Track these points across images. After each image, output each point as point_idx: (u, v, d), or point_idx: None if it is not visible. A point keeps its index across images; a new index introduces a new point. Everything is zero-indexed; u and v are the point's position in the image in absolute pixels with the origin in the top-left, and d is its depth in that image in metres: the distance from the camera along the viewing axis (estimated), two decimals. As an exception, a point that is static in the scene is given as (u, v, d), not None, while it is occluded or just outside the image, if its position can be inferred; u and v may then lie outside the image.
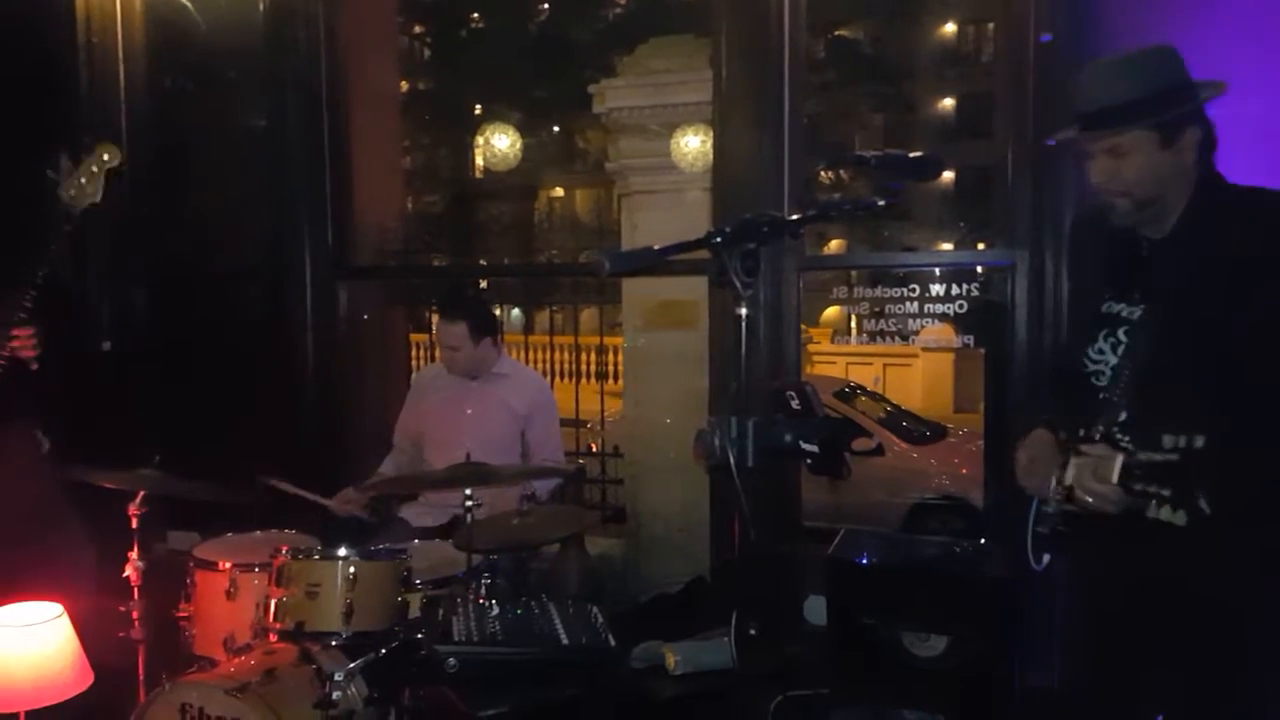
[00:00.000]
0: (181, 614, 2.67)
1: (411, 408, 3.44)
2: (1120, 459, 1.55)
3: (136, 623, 2.68)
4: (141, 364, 3.90)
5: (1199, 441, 1.46)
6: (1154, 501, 1.49)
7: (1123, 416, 1.73)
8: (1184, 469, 1.46)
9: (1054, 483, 1.79)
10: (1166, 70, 1.72)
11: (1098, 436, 1.69)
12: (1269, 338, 1.62)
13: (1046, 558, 1.86)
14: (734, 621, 1.76)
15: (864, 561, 2.65)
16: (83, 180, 2.51)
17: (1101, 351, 1.82)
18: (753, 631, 1.74)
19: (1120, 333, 1.80)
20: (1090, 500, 1.63)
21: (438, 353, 3.44)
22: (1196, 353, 1.66)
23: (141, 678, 2.68)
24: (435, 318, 3.33)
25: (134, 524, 2.67)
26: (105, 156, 2.54)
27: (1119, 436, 1.68)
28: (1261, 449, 1.59)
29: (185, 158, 4.02)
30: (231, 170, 3.93)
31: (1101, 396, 1.79)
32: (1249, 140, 2.58)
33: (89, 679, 2.39)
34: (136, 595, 2.68)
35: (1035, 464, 1.86)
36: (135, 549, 2.68)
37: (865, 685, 2.60)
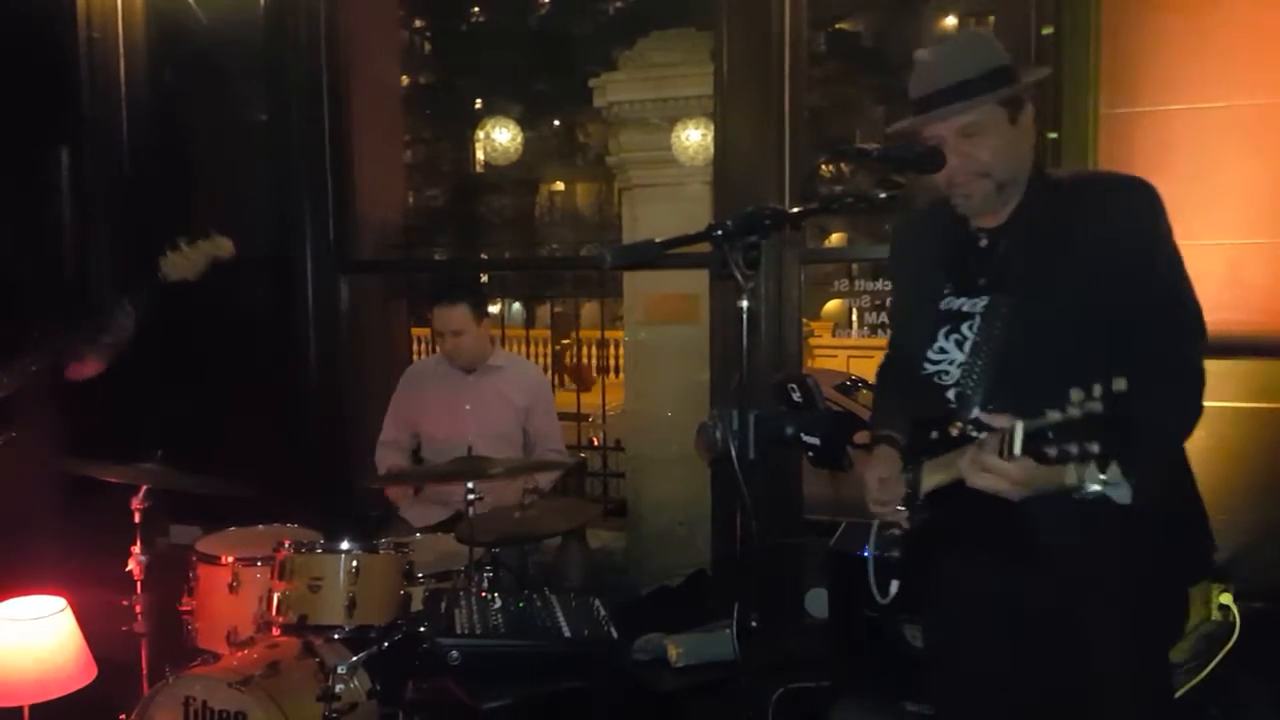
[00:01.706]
0: (184, 608, 2.68)
1: (405, 403, 3.38)
2: (1020, 426, 1.36)
3: (139, 616, 2.68)
4: (144, 358, 3.90)
5: (1120, 384, 1.26)
6: (1074, 466, 1.30)
7: (976, 413, 1.63)
8: (1111, 417, 1.26)
9: (905, 497, 1.71)
10: (995, 51, 1.68)
11: (955, 434, 1.61)
12: (1139, 318, 1.57)
13: (895, 585, 1.75)
14: (735, 614, 1.76)
15: (865, 554, 2.65)
16: (189, 259, 2.55)
17: (943, 349, 1.73)
18: (754, 624, 1.74)
19: (964, 328, 1.71)
20: (992, 488, 1.47)
21: (437, 347, 3.43)
22: (1060, 340, 1.59)
23: (144, 671, 2.68)
24: (433, 313, 3.28)
25: (137, 518, 2.68)
26: (219, 250, 2.60)
27: (975, 434, 1.59)
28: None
29: (187, 152, 4.02)
30: (233, 164, 3.93)
31: (952, 394, 1.70)
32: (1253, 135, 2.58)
33: (92, 673, 2.40)
34: (139, 589, 2.69)
35: (886, 484, 1.75)
36: (138, 543, 2.68)
37: (866, 678, 2.60)
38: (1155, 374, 1.49)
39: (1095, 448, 1.27)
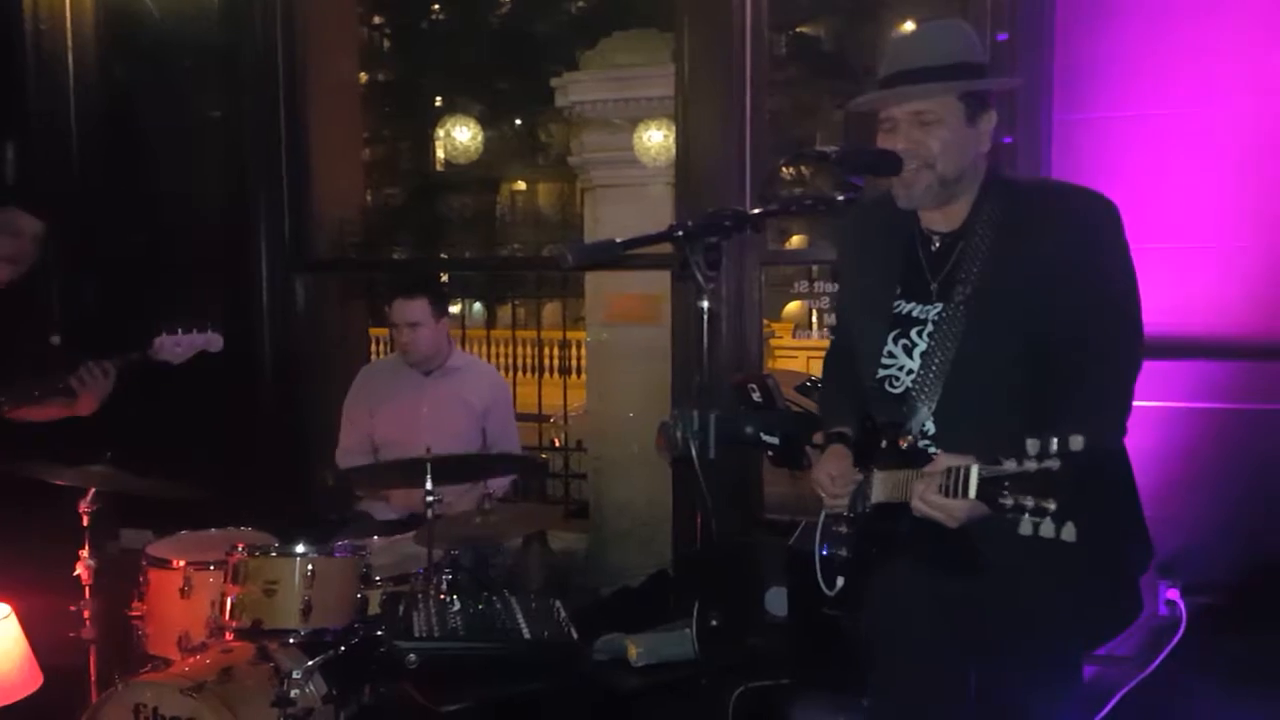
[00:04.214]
0: (134, 613, 2.63)
1: (361, 408, 3.31)
2: (976, 470, 1.40)
3: (88, 622, 2.62)
4: (93, 358, 3.81)
5: (1078, 442, 1.29)
6: (1027, 516, 1.32)
7: (928, 424, 1.66)
8: (1067, 477, 1.29)
9: (853, 502, 1.73)
10: (971, 46, 1.69)
11: (904, 446, 1.62)
12: (1091, 331, 1.57)
13: (840, 581, 1.78)
14: (695, 613, 1.77)
15: (825, 553, 2.67)
16: (179, 350, 2.64)
17: (892, 354, 1.73)
18: (714, 623, 1.75)
19: (914, 334, 1.71)
20: (935, 515, 1.51)
21: (393, 345, 3.38)
22: (1010, 355, 1.60)
23: (93, 678, 2.62)
24: (392, 304, 3.23)
25: (85, 522, 2.62)
26: (210, 342, 2.69)
27: (926, 446, 1.63)
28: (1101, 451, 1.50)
29: (138, 148, 3.93)
30: (186, 161, 3.86)
31: (902, 404, 1.70)
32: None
33: (38, 680, 2.33)
34: (88, 594, 2.63)
35: (838, 479, 1.77)
36: (86, 547, 2.62)
37: (825, 676, 2.62)
38: (1083, 398, 1.53)
39: (1051, 505, 1.30)
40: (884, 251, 1.79)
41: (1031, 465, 1.32)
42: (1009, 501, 1.34)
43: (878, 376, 1.74)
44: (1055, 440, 1.30)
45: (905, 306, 1.74)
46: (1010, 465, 1.35)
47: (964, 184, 1.69)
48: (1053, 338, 1.59)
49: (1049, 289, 1.59)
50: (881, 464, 1.69)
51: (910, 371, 1.70)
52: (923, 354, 1.69)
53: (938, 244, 1.73)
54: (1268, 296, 2.58)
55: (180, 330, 2.61)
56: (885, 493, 1.67)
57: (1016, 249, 1.63)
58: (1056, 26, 2.75)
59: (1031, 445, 1.32)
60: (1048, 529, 1.31)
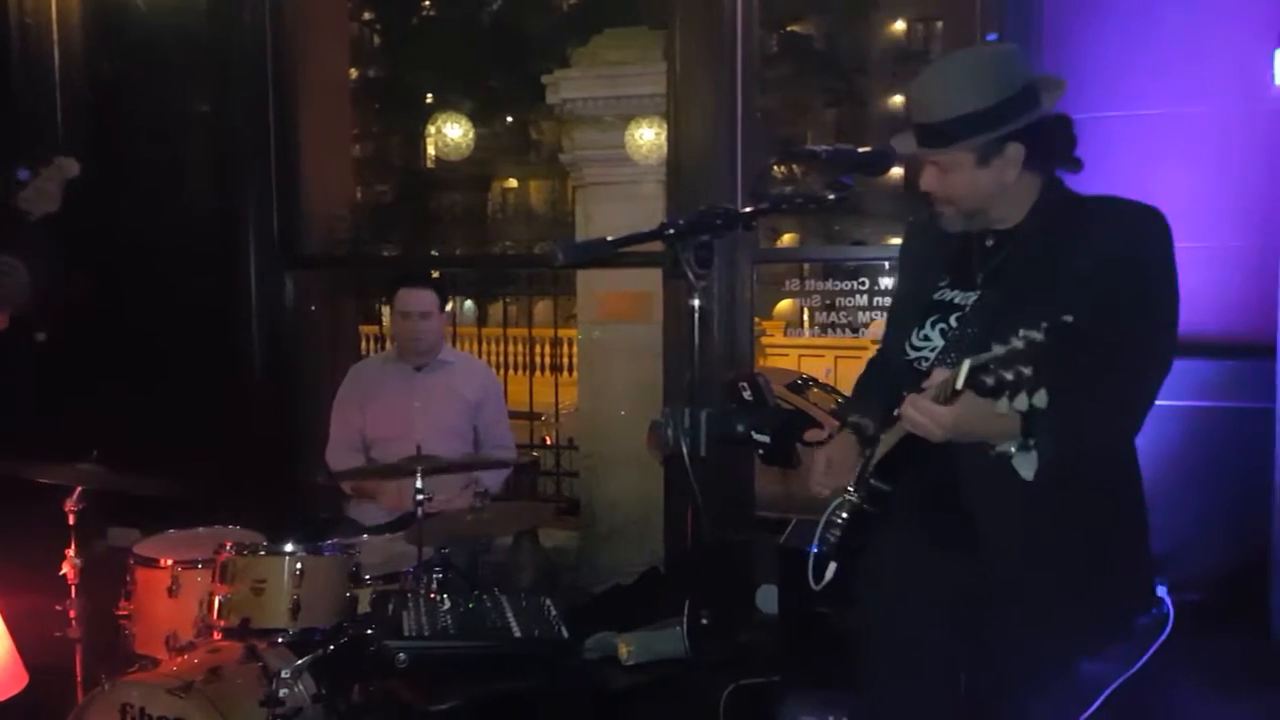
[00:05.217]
0: (121, 612, 2.61)
1: (353, 404, 3.28)
2: (968, 362, 1.40)
3: (74, 621, 2.60)
4: (79, 355, 3.79)
5: (1068, 317, 1.34)
6: (1008, 393, 1.35)
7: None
8: (1051, 346, 1.33)
9: (854, 481, 1.75)
10: (991, 83, 1.65)
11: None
12: (1118, 330, 1.57)
13: (831, 569, 1.78)
14: (686, 611, 1.77)
15: (815, 550, 2.68)
16: (42, 191, 2.49)
17: (927, 338, 1.76)
18: (705, 620, 1.75)
19: (952, 319, 1.74)
20: (922, 423, 1.53)
21: (387, 344, 3.37)
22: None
23: (79, 678, 2.60)
24: (393, 300, 3.21)
25: (71, 520, 2.60)
26: (64, 169, 2.55)
27: None
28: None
29: (125, 143, 3.91)
30: (174, 156, 3.84)
31: (925, 378, 1.70)
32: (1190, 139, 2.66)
33: (23, 681, 2.31)
34: (74, 593, 2.61)
35: (834, 466, 1.80)
36: (73, 546, 2.60)
37: (816, 673, 2.63)
38: (1097, 390, 1.53)
39: (1028, 371, 1.32)
40: (939, 246, 1.82)
41: (1019, 343, 1.34)
42: (990, 380, 1.36)
43: (909, 358, 1.77)
44: (1045, 322, 1.33)
45: (949, 294, 1.77)
46: (999, 349, 1.37)
47: (1001, 208, 1.72)
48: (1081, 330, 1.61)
49: (1087, 288, 1.61)
50: (887, 430, 1.70)
51: (938, 351, 1.73)
52: (952, 336, 1.72)
53: (992, 240, 1.76)
54: (1254, 295, 2.59)
55: (27, 172, 2.49)
56: (887, 445, 1.69)
57: (1066, 250, 1.66)
58: (1045, 26, 2.76)
59: (1023, 331, 1.35)
60: (1021, 402, 1.34)
